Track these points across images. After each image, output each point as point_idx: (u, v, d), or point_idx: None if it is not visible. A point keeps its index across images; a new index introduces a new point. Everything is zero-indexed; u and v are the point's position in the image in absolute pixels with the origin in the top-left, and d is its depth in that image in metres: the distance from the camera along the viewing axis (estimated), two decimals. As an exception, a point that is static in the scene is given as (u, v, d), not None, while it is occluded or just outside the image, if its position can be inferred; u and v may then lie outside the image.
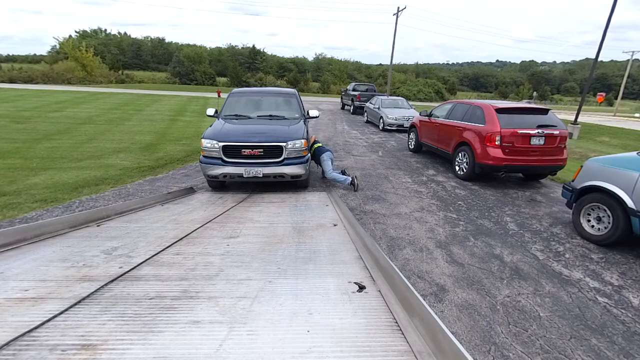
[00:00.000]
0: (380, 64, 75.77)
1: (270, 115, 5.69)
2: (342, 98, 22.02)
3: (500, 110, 5.79)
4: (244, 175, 4.58)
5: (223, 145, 4.58)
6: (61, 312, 1.39)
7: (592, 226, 3.88)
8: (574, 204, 4.12)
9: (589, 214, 3.94)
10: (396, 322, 1.39)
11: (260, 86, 36.13)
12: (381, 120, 12.83)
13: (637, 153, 3.66)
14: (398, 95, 20.30)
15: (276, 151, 4.65)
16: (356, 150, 8.88)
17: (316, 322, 1.40)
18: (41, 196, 4.49)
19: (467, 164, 6.21)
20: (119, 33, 65.58)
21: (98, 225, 2.86)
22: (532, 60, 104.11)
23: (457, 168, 6.54)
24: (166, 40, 68.07)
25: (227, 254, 2.25)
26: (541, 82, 70.24)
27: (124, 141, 8.53)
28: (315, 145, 6.03)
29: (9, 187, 4.81)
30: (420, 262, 3.25)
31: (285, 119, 5.61)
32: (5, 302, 1.48)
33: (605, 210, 3.71)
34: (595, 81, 63.58)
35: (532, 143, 5.57)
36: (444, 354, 1.14)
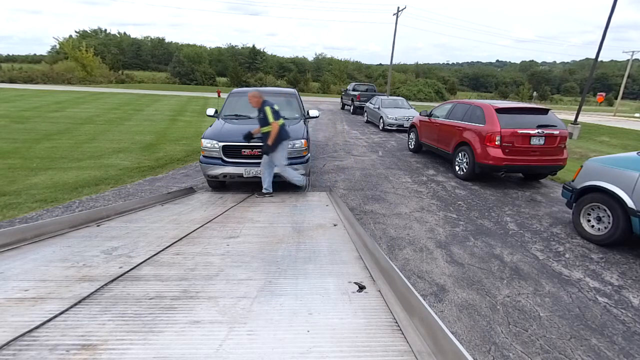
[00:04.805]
0: (380, 64, 75.65)
1: None
2: (342, 98, 22.00)
3: (500, 110, 5.79)
4: (244, 175, 4.58)
5: (223, 145, 4.58)
6: (61, 312, 1.39)
7: (592, 226, 3.88)
8: (574, 204, 4.12)
9: (589, 214, 3.94)
10: (396, 322, 1.39)
11: (260, 86, 36.11)
12: (381, 120, 12.83)
13: (637, 153, 3.66)
14: (398, 95, 20.29)
15: (276, 151, 4.64)
16: (356, 150, 8.88)
17: (316, 322, 1.40)
18: (41, 196, 4.49)
19: (467, 164, 6.20)
20: (119, 33, 65.36)
21: (98, 225, 2.86)
22: (532, 60, 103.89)
23: (457, 168, 6.53)
24: (166, 40, 67.77)
25: (227, 254, 2.25)
26: (541, 82, 70.11)
27: (124, 141, 8.53)
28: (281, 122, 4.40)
29: (9, 187, 4.80)
30: (420, 262, 3.25)
31: (285, 119, 5.60)
32: (5, 302, 1.48)
33: (605, 210, 3.71)
34: (595, 81, 63.46)
35: (532, 143, 5.58)
36: (444, 354, 1.13)
